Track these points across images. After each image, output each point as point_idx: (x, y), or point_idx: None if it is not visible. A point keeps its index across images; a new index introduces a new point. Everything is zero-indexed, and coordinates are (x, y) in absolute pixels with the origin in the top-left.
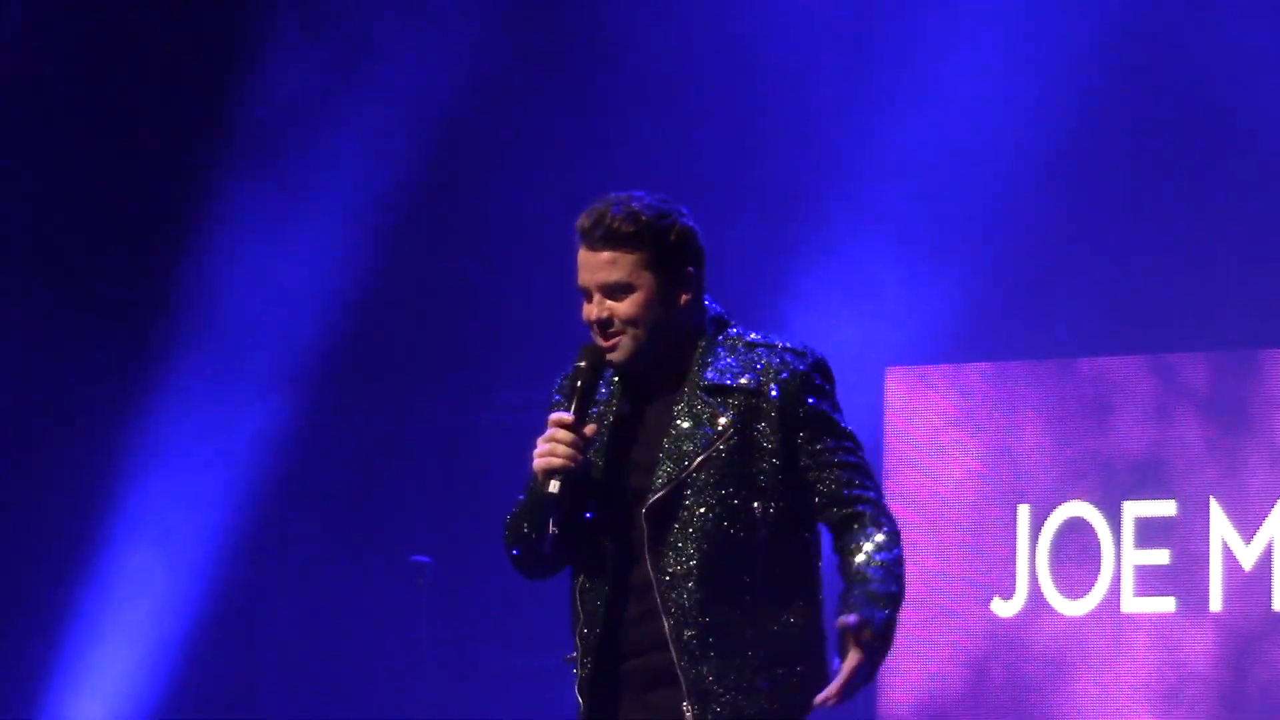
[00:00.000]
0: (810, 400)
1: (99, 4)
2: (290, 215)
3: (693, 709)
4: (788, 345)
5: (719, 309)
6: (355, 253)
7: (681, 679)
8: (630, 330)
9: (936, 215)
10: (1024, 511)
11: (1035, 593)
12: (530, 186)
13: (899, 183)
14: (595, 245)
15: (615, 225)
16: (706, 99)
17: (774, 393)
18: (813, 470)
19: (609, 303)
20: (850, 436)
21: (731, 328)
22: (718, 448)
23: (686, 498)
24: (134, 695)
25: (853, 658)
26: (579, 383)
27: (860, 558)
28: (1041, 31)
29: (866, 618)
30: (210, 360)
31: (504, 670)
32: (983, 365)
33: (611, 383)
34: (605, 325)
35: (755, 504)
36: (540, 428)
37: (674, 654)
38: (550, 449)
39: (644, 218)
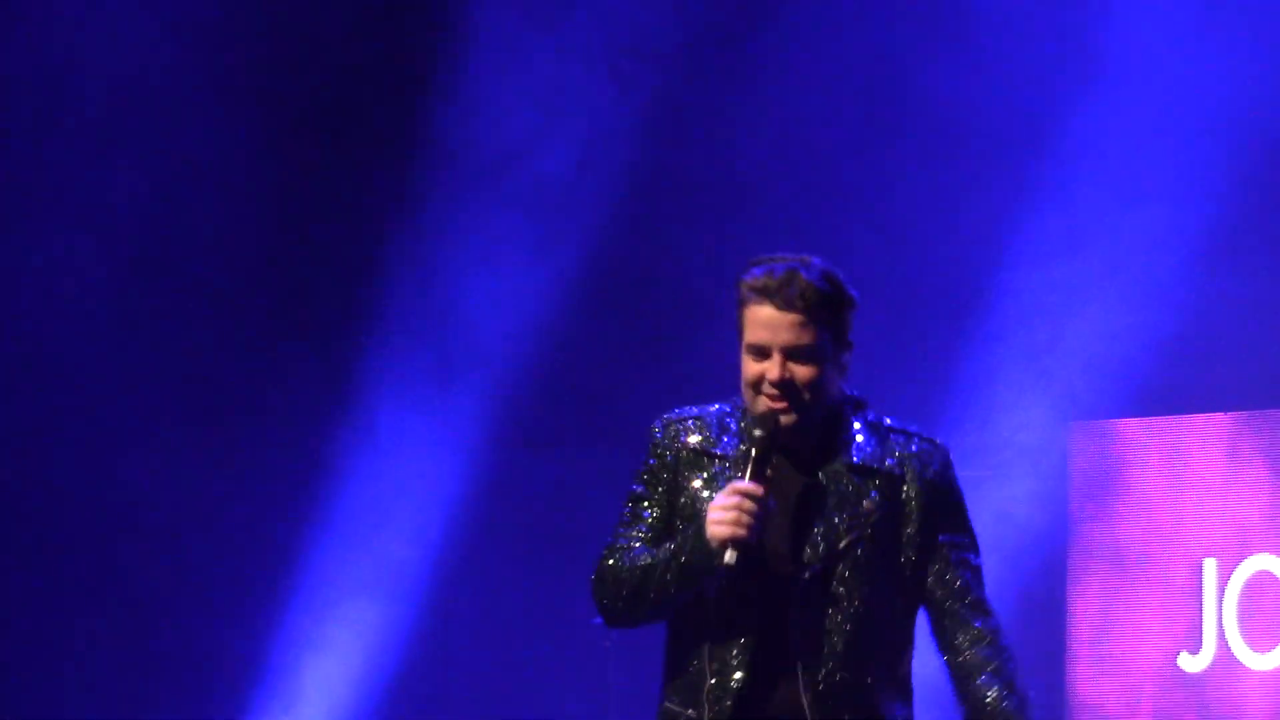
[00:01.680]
0: (950, 494)
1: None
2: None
3: None
4: (923, 434)
5: (853, 391)
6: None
7: None
8: (808, 396)
9: (1112, 265)
10: (1210, 566)
11: (1223, 646)
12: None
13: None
14: (785, 306)
15: (809, 290)
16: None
17: (918, 482)
18: (938, 563)
19: (791, 364)
20: (974, 535)
21: (869, 410)
22: (867, 529)
23: (836, 575)
24: (339, 703)
25: None
26: (755, 451)
27: (1002, 700)
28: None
29: None
30: (420, 376)
31: None
32: (1166, 418)
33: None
34: (786, 387)
35: (898, 593)
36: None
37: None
38: (735, 518)
39: (836, 286)
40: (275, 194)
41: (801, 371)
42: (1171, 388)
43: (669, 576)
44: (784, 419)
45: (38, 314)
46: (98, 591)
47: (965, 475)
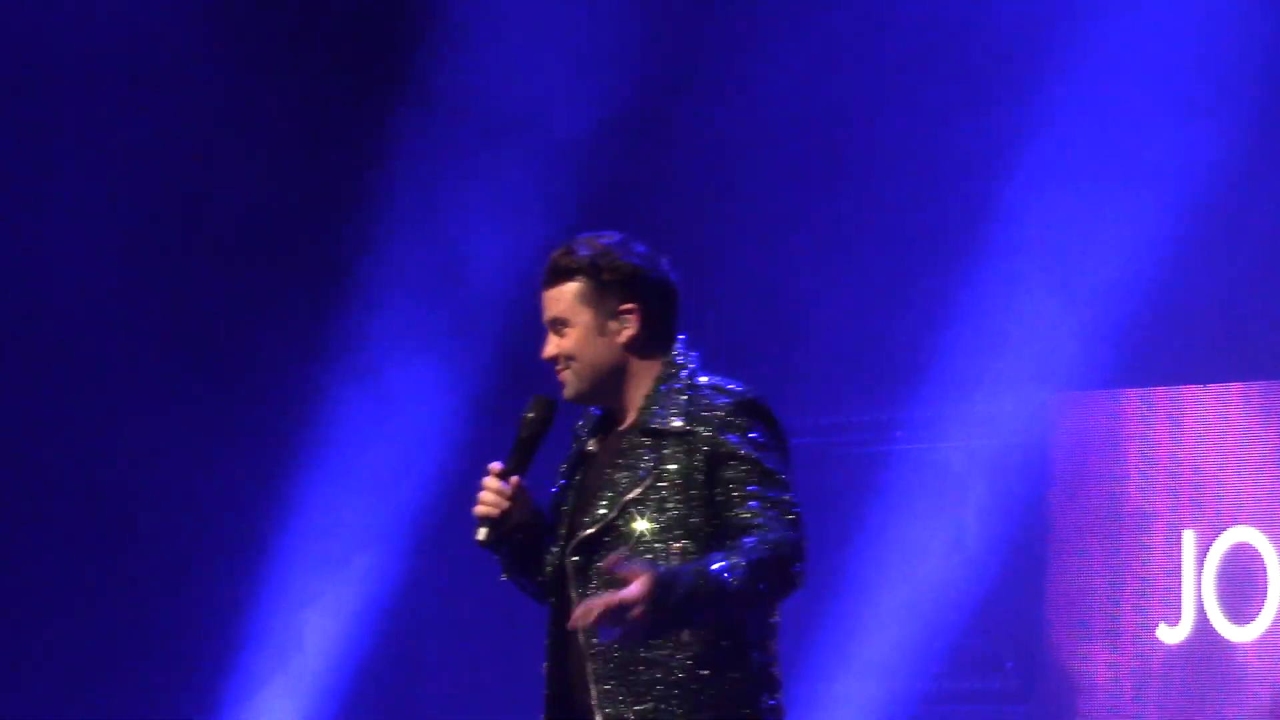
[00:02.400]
0: (731, 438)
1: None
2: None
3: None
4: (722, 385)
5: (684, 351)
6: None
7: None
8: (572, 365)
9: (1099, 238)
10: (1189, 537)
11: (1201, 619)
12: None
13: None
14: (545, 284)
15: (557, 260)
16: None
17: (705, 435)
18: (726, 509)
19: (554, 338)
20: (771, 476)
21: (684, 370)
22: (643, 491)
23: (607, 540)
24: (340, 657)
25: (630, 591)
26: (521, 433)
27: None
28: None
29: (665, 575)
30: (427, 330)
31: None
32: (1145, 390)
33: (590, 421)
34: (554, 362)
35: (675, 545)
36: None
37: (594, 695)
38: (481, 497)
39: (582, 253)
40: (282, 145)
41: (563, 343)
42: (1153, 359)
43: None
44: (563, 393)
45: (39, 269)
46: (97, 543)
47: (947, 445)
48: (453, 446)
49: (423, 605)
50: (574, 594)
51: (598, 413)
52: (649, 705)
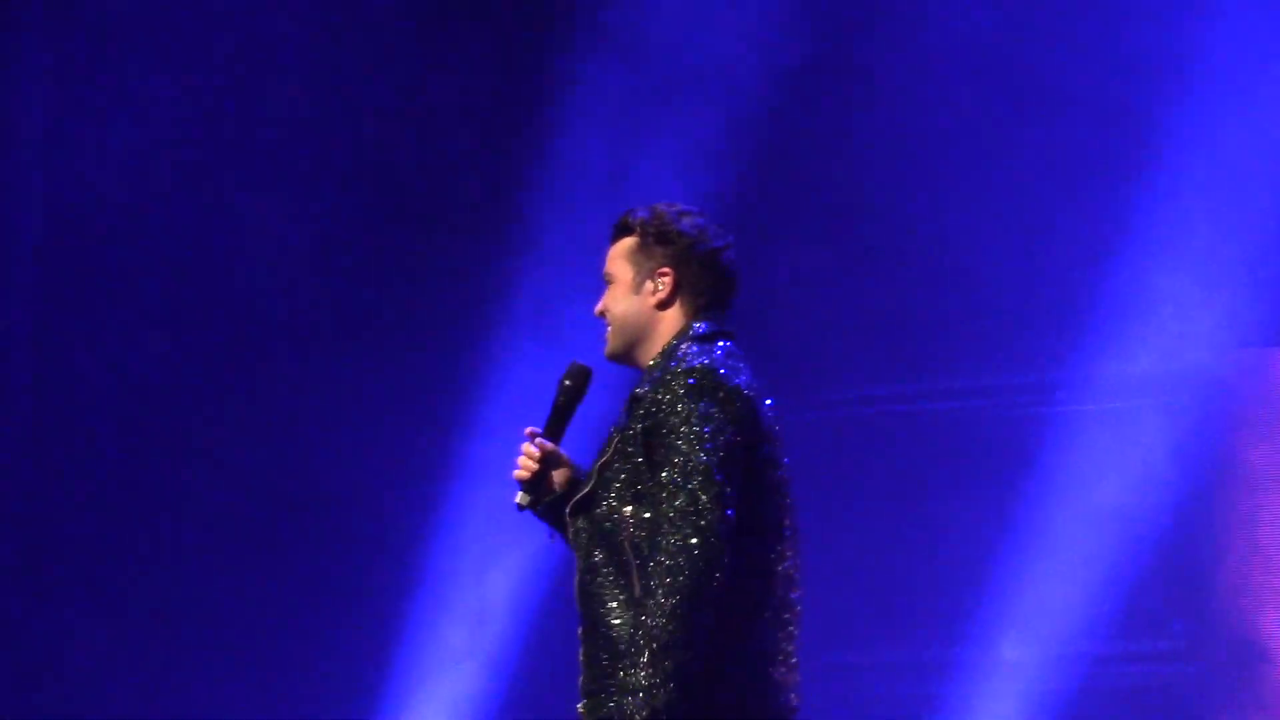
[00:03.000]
0: (663, 413)
1: None
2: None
3: (581, 705)
4: (691, 357)
5: (707, 328)
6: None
7: (580, 660)
8: (610, 320)
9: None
10: None
11: None
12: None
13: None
14: (609, 242)
15: (619, 219)
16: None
17: (653, 401)
18: (660, 480)
19: (606, 293)
20: (692, 464)
21: (686, 341)
22: (611, 456)
23: (593, 500)
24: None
25: None
26: (557, 399)
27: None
28: None
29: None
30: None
31: (863, 665)
32: None
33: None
34: (603, 317)
35: (626, 509)
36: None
37: (580, 652)
38: (517, 461)
39: (640, 214)
40: (465, 106)
41: (605, 298)
42: None
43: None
44: (605, 349)
45: (230, 237)
46: (252, 514)
47: (1125, 405)
48: None
49: None
50: (578, 554)
51: None
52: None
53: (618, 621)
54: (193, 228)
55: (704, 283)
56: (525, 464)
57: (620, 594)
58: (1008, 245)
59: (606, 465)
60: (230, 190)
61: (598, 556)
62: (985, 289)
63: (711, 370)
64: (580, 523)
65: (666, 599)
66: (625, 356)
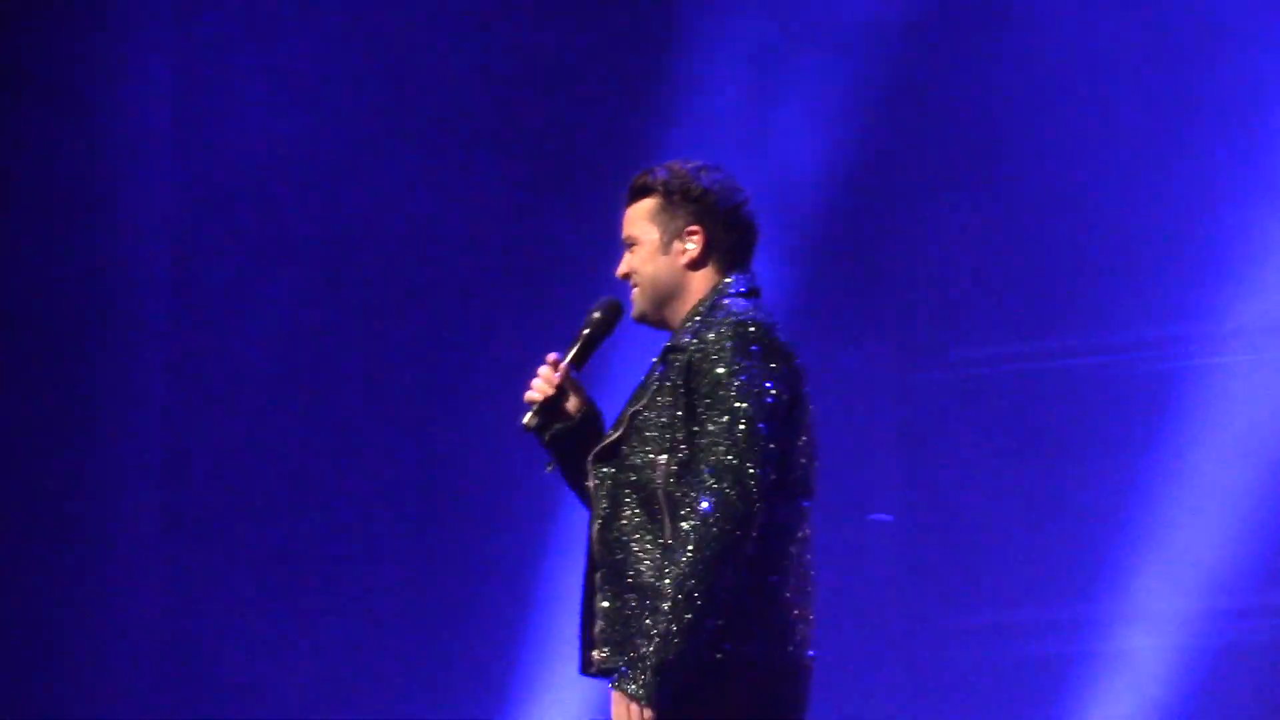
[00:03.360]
0: (709, 363)
1: None
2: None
3: (600, 652)
4: (736, 309)
5: (738, 279)
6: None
7: (596, 623)
8: (638, 282)
9: None
10: None
11: None
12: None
13: None
14: (626, 203)
15: (636, 180)
16: None
17: (693, 348)
18: (699, 428)
19: (626, 256)
20: (733, 410)
21: (724, 296)
22: (645, 399)
23: (619, 450)
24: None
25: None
26: (582, 328)
27: (663, 574)
28: None
29: (629, 681)
30: None
31: (968, 628)
32: None
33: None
34: (626, 280)
35: (663, 455)
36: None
37: (596, 601)
38: (532, 383)
39: (659, 174)
40: (599, 67)
41: (631, 260)
42: None
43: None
44: (632, 312)
45: (383, 200)
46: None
47: (1272, 356)
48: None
49: None
50: (593, 501)
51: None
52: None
53: (647, 570)
54: (335, 207)
55: (731, 238)
56: (540, 386)
57: (649, 544)
58: (1147, 196)
59: (638, 413)
60: (372, 169)
61: (626, 505)
62: (1126, 242)
63: (764, 326)
64: (605, 469)
65: (698, 551)
66: (656, 318)
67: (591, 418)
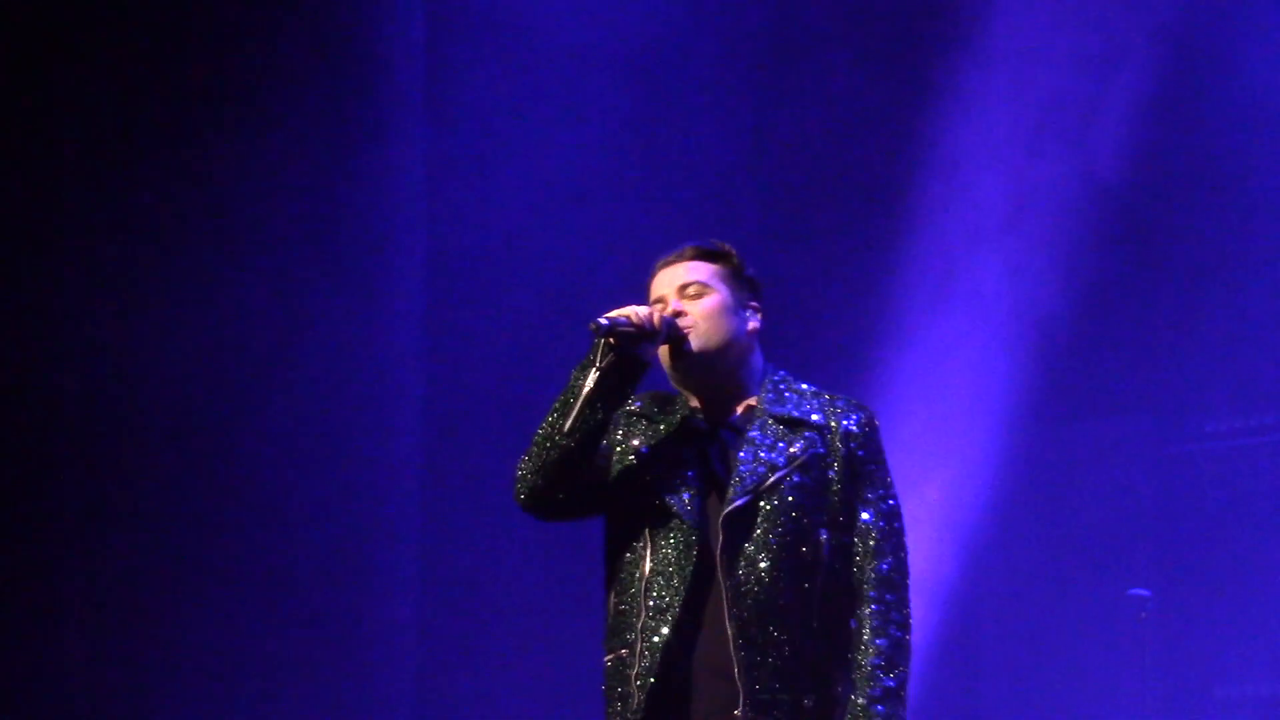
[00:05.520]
0: (871, 447)
1: None
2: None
3: (746, 715)
4: (847, 397)
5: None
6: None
7: (739, 685)
8: (698, 326)
9: None
10: None
11: None
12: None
13: None
14: (686, 257)
15: (703, 243)
16: None
17: (841, 432)
18: (861, 512)
19: (684, 300)
20: (893, 492)
21: (783, 371)
22: (792, 471)
23: (761, 513)
24: None
25: None
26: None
27: (862, 685)
28: None
29: None
30: None
31: (1238, 699)
32: None
33: (680, 404)
34: (678, 315)
35: (823, 532)
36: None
37: (734, 658)
38: (636, 307)
39: (728, 247)
40: (839, 85)
41: (697, 304)
42: None
43: (567, 397)
44: (692, 344)
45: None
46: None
47: None
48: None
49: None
50: (720, 560)
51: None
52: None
53: (799, 636)
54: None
55: (762, 326)
56: (642, 314)
57: (796, 612)
58: None
59: (785, 481)
60: (612, 211)
61: (770, 573)
62: None
63: (865, 405)
64: (742, 532)
65: (899, 611)
66: (712, 362)
67: (638, 373)
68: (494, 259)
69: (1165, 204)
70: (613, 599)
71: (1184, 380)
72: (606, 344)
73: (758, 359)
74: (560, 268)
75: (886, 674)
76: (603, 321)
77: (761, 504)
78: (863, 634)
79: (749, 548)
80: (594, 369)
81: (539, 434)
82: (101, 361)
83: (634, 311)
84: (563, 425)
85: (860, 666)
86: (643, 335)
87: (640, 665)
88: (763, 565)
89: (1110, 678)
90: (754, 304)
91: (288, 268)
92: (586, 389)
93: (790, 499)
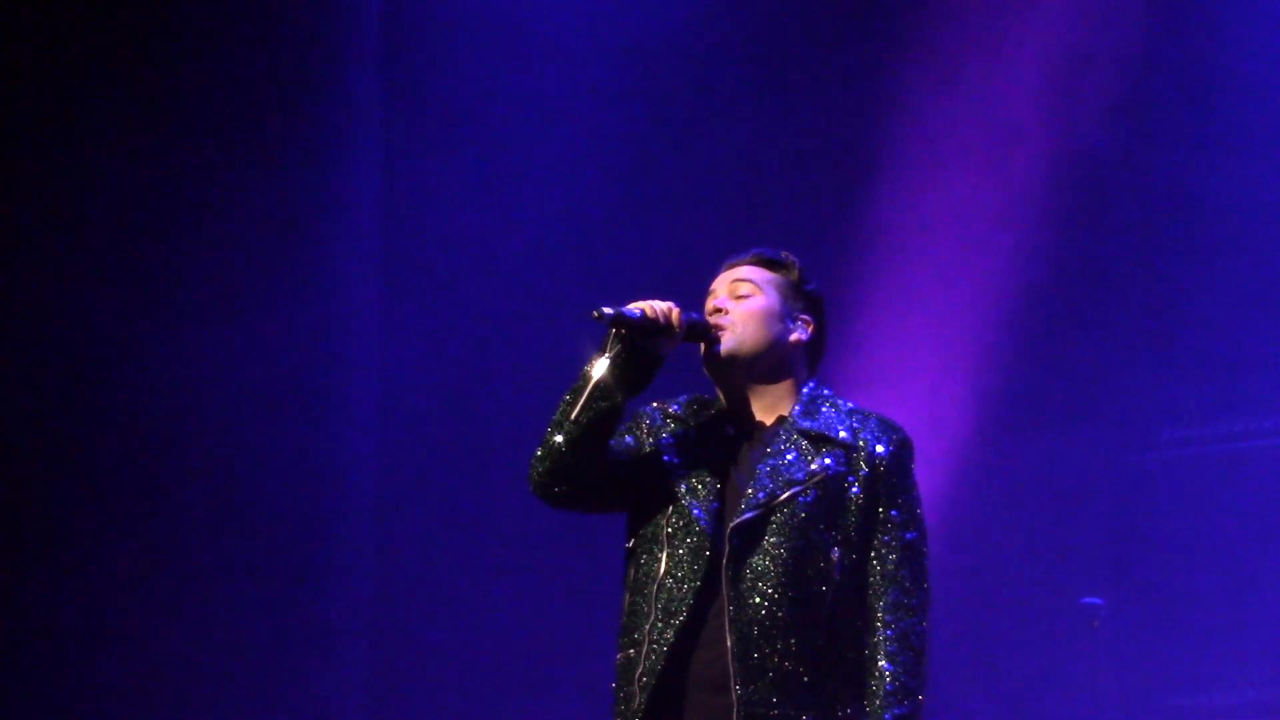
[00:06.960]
0: (899, 472)
1: None
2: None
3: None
4: (883, 417)
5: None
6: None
7: (734, 695)
8: (738, 328)
9: None
10: None
11: None
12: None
13: None
14: (745, 261)
15: (767, 250)
16: None
17: (869, 452)
18: (879, 536)
19: (729, 298)
20: (918, 519)
21: (827, 389)
22: (809, 487)
23: (771, 527)
24: None
25: None
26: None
27: (874, 713)
28: None
29: None
30: None
31: (1190, 709)
32: None
33: (716, 409)
34: (717, 311)
35: (835, 549)
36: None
37: (731, 669)
38: (654, 301)
39: (792, 258)
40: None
41: (741, 303)
42: None
43: (578, 384)
44: (722, 344)
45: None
46: None
47: None
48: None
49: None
50: (725, 569)
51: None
52: (785, 690)
53: (801, 653)
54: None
55: (820, 345)
56: (659, 309)
57: (800, 629)
58: None
59: (801, 496)
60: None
61: (775, 587)
62: None
63: (903, 427)
64: (750, 544)
65: (916, 638)
66: (744, 364)
67: (648, 366)
68: (452, 260)
69: (1122, 213)
70: (628, 596)
71: (1141, 388)
72: (616, 334)
73: (801, 371)
74: (520, 270)
75: (900, 701)
76: (607, 311)
77: (773, 518)
78: (876, 660)
79: (756, 560)
80: (602, 357)
81: (552, 419)
82: (53, 362)
83: (650, 305)
84: (570, 411)
85: (873, 693)
86: (656, 329)
87: (645, 665)
88: (768, 579)
89: (1063, 686)
90: (805, 317)
91: (239, 267)
92: (594, 376)
93: (803, 515)
